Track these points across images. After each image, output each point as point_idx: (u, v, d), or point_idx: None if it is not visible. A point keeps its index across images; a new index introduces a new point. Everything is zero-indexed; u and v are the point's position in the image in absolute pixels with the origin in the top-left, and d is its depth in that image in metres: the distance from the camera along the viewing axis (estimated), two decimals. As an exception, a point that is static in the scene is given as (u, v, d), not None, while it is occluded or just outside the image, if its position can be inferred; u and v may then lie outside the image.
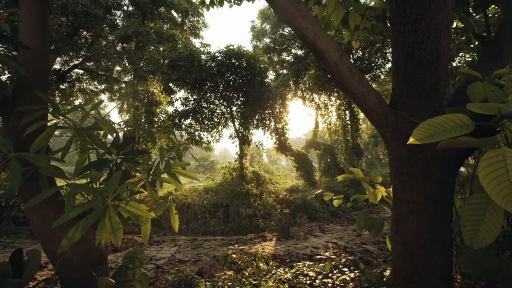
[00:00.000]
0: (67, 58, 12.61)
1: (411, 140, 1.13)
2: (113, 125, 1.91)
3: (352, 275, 2.14)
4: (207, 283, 2.09)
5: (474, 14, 2.61)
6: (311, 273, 2.26)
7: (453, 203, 1.63)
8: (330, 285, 2.06)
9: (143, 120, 8.99)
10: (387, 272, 2.19)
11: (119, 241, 0.96)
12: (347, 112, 13.08)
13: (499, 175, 0.93)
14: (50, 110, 1.34)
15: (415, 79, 1.43)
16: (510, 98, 1.97)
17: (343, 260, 2.51)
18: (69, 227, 1.58)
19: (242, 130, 10.32)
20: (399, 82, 1.53)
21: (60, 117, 1.29)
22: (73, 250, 1.59)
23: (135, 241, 5.91)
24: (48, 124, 1.48)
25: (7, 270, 1.26)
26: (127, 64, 12.15)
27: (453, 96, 1.66)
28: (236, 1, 4.83)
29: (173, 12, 14.03)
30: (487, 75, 1.61)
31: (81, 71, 13.99)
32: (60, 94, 11.93)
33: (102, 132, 1.81)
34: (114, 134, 1.63)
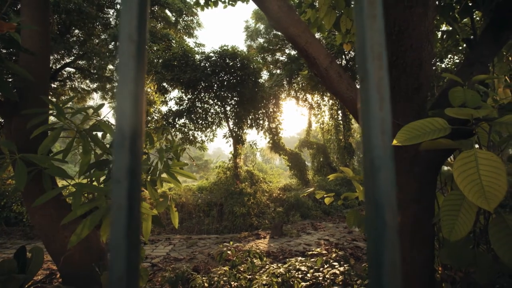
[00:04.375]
0: (59, 57, 12.46)
1: (394, 142, 1.23)
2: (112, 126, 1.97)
3: (341, 269, 2.25)
4: (203, 278, 2.17)
5: (460, 19, 2.74)
6: (303, 268, 2.37)
7: (435, 200, 1.74)
8: (320, 278, 2.17)
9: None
10: (375, 266, 2.30)
11: (125, 236, 1.03)
12: (339, 112, 13.26)
13: (471, 174, 1.03)
14: (54, 113, 1.39)
15: (399, 85, 1.53)
16: (488, 102, 2.09)
17: (334, 255, 2.61)
18: (71, 225, 1.64)
19: (236, 130, 10.39)
20: (385, 87, 1.63)
21: (64, 120, 1.35)
22: (74, 247, 1.65)
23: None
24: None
25: (13, 267, 1.32)
26: (120, 63, 12.05)
27: (437, 99, 1.76)
28: (230, 2, 4.88)
29: (167, 11, 13.96)
30: (467, 80, 1.72)
31: (72, 70, 13.83)
32: (51, 93, 11.78)
33: (100, 133, 1.86)
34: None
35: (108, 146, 1.78)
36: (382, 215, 0.13)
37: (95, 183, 1.55)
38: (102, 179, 1.73)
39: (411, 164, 1.57)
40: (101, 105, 1.57)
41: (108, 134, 1.72)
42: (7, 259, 1.32)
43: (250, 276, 2.23)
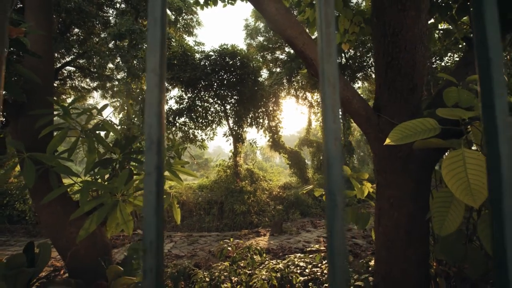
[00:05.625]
0: (59, 55, 12.48)
1: (387, 141, 1.27)
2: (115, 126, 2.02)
3: (339, 264, 2.29)
4: (204, 273, 2.24)
5: (457, 19, 2.77)
6: (301, 264, 2.43)
7: (430, 198, 1.78)
8: (319, 273, 2.23)
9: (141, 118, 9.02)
10: (372, 262, 2.36)
11: (130, 230, 1.09)
12: (339, 110, 13.28)
13: (459, 173, 1.08)
14: (60, 113, 1.44)
15: (394, 85, 1.58)
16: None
17: (332, 252, 2.65)
18: (77, 221, 1.70)
19: (236, 128, 10.44)
20: (380, 87, 1.68)
21: (70, 120, 1.40)
22: (80, 243, 1.71)
23: (131, 237, 6.01)
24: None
25: (23, 261, 1.37)
26: (120, 62, 12.09)
27: (433, 99, 1.80)
28: (229, 1, 4.91)
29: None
30: (462, 79, 1.76)
31: (72, 69, 13.85)
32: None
33: (103, 133, 1.92)
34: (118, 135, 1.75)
35: (111, 145, 1.83)
36: (334, 199, 0.19)
37: (99, 180, 1.61)
38: (106, 177, 1.79)
39: (405, 162, 1.61)
40: (105, 106, 1.62)
41: (111, 133, 1.77)
42: (17, 254, 1.38)
43: (250, 271, 2.30)
